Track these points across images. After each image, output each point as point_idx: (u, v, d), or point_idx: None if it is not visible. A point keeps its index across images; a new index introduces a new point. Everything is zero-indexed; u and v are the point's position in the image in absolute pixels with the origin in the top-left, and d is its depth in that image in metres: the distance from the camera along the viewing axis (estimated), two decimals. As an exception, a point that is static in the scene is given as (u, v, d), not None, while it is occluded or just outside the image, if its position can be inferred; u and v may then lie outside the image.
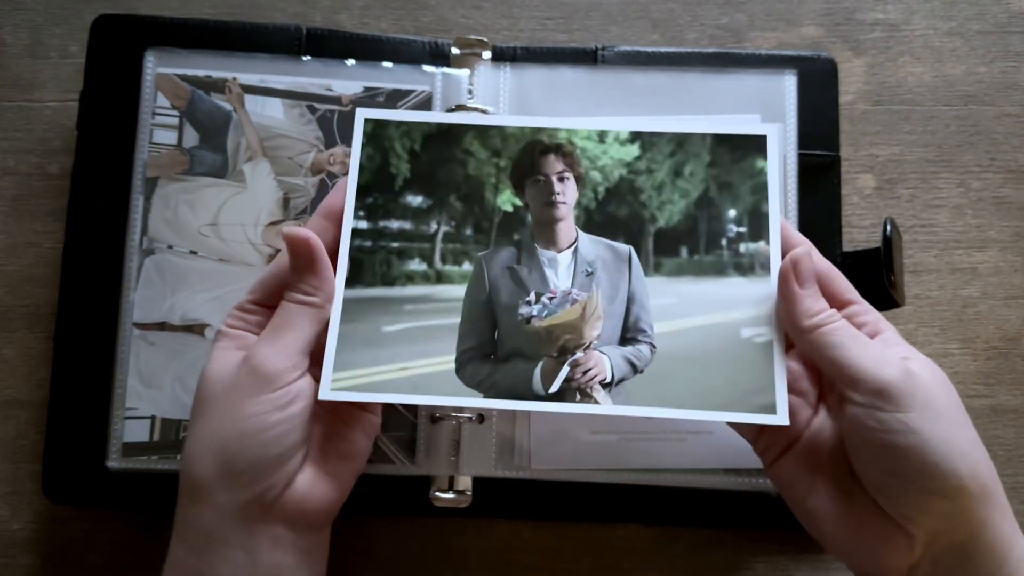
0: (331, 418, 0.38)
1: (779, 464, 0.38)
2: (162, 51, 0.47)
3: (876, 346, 0.35)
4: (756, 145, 0.40)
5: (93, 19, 0.47)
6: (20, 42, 0.51)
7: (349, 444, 0.37)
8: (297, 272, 0.36)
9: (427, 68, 0.48)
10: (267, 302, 0.37)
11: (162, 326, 0.45)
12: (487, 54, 0.48)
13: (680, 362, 0.38)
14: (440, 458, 0.44)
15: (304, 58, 0.48)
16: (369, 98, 0.47)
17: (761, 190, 0.39)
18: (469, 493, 0.44)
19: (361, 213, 0.39)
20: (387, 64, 0.48)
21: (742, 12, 0.52)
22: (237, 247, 0.46)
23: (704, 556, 0.47)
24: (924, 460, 0.32)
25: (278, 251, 0.46)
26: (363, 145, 0.40)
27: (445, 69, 0.48)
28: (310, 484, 0.35)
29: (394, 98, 0.47)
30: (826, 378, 0.38)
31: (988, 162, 0.51)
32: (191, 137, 0.46)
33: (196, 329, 0.45)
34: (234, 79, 0.47)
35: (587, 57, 0.49)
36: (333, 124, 0.47)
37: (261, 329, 0.36)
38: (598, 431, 0.45)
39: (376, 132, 0.40)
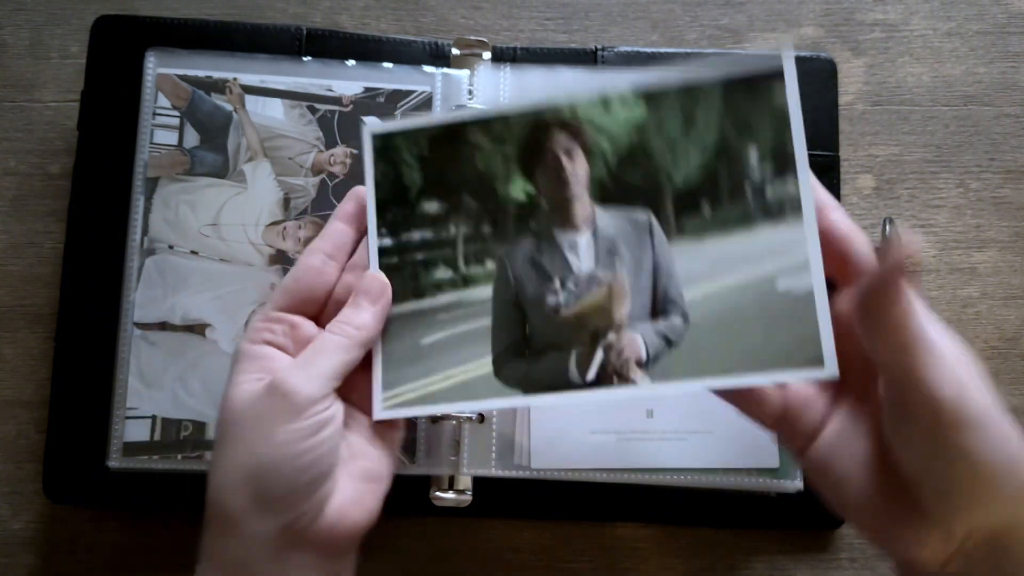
0: (355, 440, 0.37)
1: (808, 454, 0.36)
2: (163, 51, 0.47)
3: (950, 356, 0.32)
4: (772, 77, 0.35)
5: (94, 19, 0.47)
6: (21, 42, 0.51)
7: (374, 465, 0.37)
8: (357, 311, 0.36)
9: (427, 69, 0.48)
10: (292, 310, 0.37)
11: (163, 326, 0.45)
12: (487, 55, 0.48)
13: (715, 328, 0.35)
14: (440, 458, 0.44)
15: (304, 58, 0.48)
16: (369, 98, 0.47)
17: (783, 123, 0.35)
18: (469, 493, 0.45)
19: (383, 230, 0.38)
20: (387, 65, 0.48)
21: (742, 12, 0.52)
22: (238, 247, 0.46)
23: (704, 556, 0.47)
24: (979, 474, 0.31)
25: (279, 251, 0.46)
26: (375, 162, 0.39)
27: (445, 70, 0.48)
28: (339, 510, 0.34)
29: (394, 99, 0.47)
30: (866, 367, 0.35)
31: (987, 162, 0.51)
32: (192, 137, 0.46)
33: (197, 329, 0.45)
34: (234, 79, 0.47)
35: (587, 57, 0.49)
36: (333, 124, 0.47)
37: (288, 339, 0.36)
38: (597, 431, 0.45)
39: (384, 145, 0.39)
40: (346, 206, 0.39)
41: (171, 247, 0.46)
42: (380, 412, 0.37)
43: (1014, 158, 0.51)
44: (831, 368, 0.34)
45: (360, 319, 0.36)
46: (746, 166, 0.36)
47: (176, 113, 0.47)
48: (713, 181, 0.36)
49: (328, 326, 0.36)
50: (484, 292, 0.38)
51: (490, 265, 0.38)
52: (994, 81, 0.52)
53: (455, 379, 0.37)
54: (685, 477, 0.45)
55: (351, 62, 0.48)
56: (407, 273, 0.38)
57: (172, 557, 0.46)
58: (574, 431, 0.45)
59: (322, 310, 0.38)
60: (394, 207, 0.38)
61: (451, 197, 0.38)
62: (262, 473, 0.32)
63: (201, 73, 0.47)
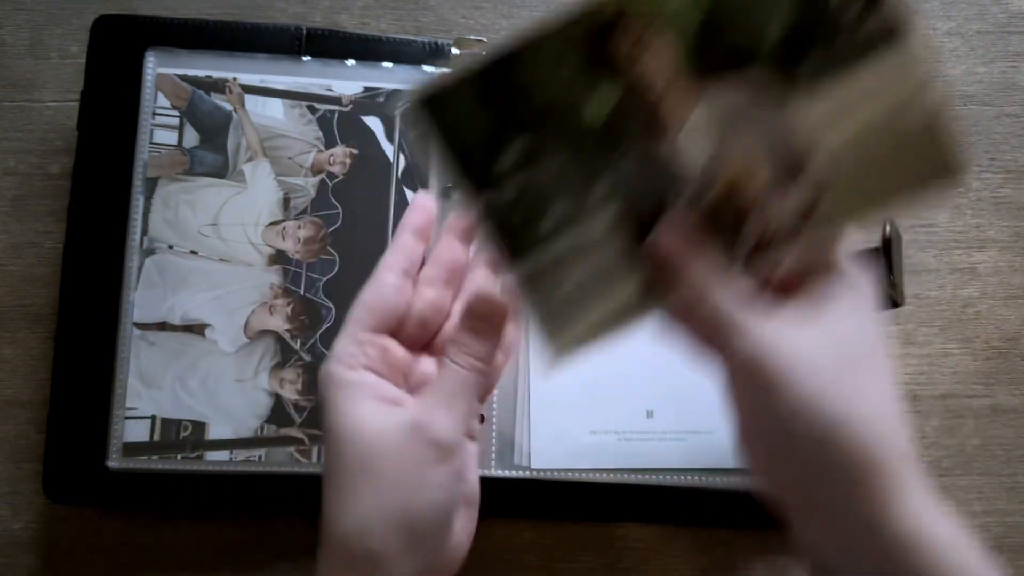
0: None
1: None
2: (162, 51, 0.47)
3: None
4: None
5: (93, 19, 0.47)
6: (20, 42, 0.51)
7: (470, 487, 0.37)
8: (476, 335, 0.34)
9: (427, 68, 0.48)
10: (377, 330, 0.35)
11: (162, 326, 0.45)
12: (487, 54, 0.48)
13: (852, 169, 0.35)
14: (440, 458, 0.44)
15: (304, 58, 0.48)
16: (369, 98, 0.47)
17: None
18: (469, 493, 0.45)
19: (470, 199, 0.34)
20: (387, 64, 0.48)
21: (742, 12, 0.52)
22: (238, 247, 0.46)
23: (704, 556, 0.47)
24: None
25: (279, 251, 0.46)
26: (436, 128, 0.34)
27: (445, 69, 0.48)
28: (458, 539, 0.35)
29: (394, 99, 0.47)
30: None
31: (988, 162, 0.51)
32: (191, 137, 0.46)
33: (196, 329, 0.45)
34: (234, 79, 0.47)
35: (587, 57, 0.48)
36: (333, 124, 0.47)
37: (382, 364, 0.35)
38: (598, 431, 0.45)
39: (435, 108, 0.34)
40: (413, 218, 0.37)
41: (171, 247, 0.46)
42: (556, 358, 0.35)
43: (1014, 158, 0.51)
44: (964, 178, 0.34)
45: (486, 350, 0.34)
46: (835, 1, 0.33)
47: (176, 113, 0.47)
48: (806, 26, 0.33)
49: (455, 357, 0.34)
50: (603, 221, 0.35)
51: (599, 191, 0.35)
52: (994, 81, 0.52)
53: (612, 312, 0.35)
54: (685, 477, 0.45)
55: (351, 62, 0.48)
56: (515, 231, 0.35)
57: (172, 557, 0.46)
58: (574, 431, 0.45)
59: (402, 328, 0.36)
60: (474, 167, 0.34)
61: (530, 137, 0.34)
62: (415, 519, 0.32)
63: (201, 73, 0.47)
